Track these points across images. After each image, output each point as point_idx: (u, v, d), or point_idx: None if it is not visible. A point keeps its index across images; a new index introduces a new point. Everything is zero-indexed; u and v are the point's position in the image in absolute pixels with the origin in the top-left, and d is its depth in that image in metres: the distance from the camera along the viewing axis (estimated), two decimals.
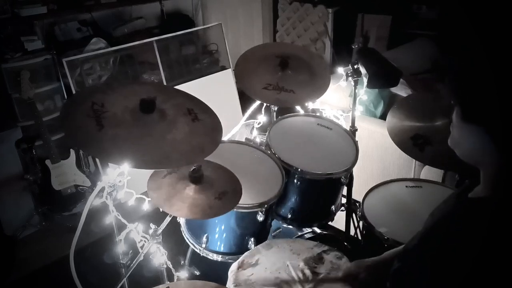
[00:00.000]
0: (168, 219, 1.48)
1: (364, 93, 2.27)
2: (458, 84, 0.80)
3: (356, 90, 2.06)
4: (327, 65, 2.74)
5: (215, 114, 1.53)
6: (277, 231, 1.96)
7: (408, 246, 0.97)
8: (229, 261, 1.63)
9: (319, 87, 2.01)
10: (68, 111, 1.35)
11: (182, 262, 1.91)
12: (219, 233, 1.69)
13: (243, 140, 2.04)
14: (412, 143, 1.77)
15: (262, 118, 2.16)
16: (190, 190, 1.44)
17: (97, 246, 2.45)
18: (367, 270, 1.22)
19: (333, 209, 1.92)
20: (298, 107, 2.16)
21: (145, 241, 1.51)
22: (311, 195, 1.85)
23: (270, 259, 1.50)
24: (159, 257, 1.52)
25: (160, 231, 1.50)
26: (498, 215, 0.78)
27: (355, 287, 1.29)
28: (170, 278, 1.60)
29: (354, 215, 2.13)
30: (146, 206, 1.59)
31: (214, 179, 1.49)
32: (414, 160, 2.39)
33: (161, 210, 1.43)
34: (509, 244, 0.75)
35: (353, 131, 2.09)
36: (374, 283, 1.21)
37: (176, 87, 2.82)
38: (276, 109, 2.09)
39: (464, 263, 0.77)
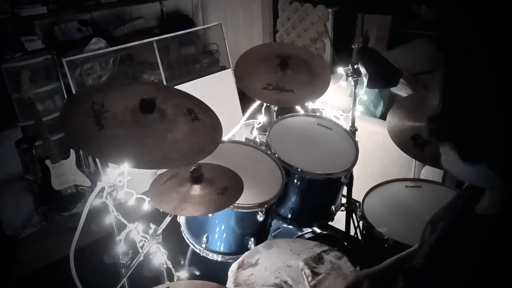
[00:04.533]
0: (168, 219, 1.48)
1: (364, 93, 2.27)
2: (454, 121, 0.73)
3: (356, 90, 2.06)
4: (327, 65, 2.74)
5: (215, 114, 1.53)
6: (277, 231, 1.96)
7: (413, 265, 0.93)
8: (229, 261, 1.63)
9: (319, 87, 2.01)
10: (68, 111, 1.35)
11: (182, 262, 1.91)
12: (219, 233, 1.69)
13: (243, 140, 2.03)
14: (413, 143, 1.77)
15: (262, 118, 2.16)
16: (193, 190, 1.44)
17: (97, 246, 2.44)
18: (369, 280, 1.20)
19: (333, 209, 1.92)
20: (298, 107, 2.16)
21: (145, 241, 1.51)
22: (311, 195, 1.85)
23: (270, 259, 1.50)
24: (159, 257, 1.52)
25: (160, 231, 1.50)
26: (508, 233, 0.74)
27: None
28: (170, 278, 1.60)
29: (354, 215, 2.13)
30: (146, 206, 1.59)
31: (213, 177, 1.50)
32: (414, 160, 2.39)
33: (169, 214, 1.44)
34: None
35: (353, 131, 2.09)
36: None
37: (176, 87, 2.81)
38: (276, 109, 2.09)
39: (472, 282, 0.75)
